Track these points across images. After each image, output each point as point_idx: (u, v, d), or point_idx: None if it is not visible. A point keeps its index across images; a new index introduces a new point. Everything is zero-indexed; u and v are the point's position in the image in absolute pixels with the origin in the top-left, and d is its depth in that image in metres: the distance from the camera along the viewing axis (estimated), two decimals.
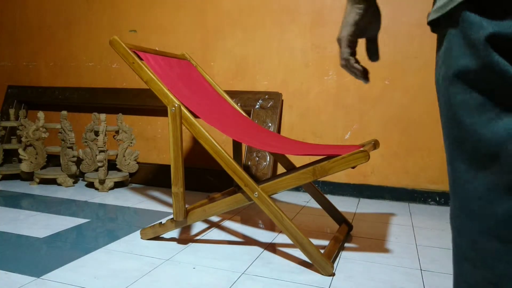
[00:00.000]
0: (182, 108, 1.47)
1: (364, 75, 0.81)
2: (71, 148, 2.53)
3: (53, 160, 2.83)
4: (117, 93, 2.81)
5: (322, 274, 1.32)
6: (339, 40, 0.80)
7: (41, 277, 1.24)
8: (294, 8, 2.46)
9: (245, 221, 1.92)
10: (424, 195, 2.32)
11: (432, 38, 2.24)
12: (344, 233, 1.66)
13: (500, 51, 0.44)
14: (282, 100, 2.52)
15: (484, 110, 0.46)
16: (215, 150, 1.44)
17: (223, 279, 1.28)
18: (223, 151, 1.43)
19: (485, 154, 0.46)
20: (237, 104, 2.01)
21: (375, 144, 1.52)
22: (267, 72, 2.55)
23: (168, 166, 1.48)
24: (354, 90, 2.39)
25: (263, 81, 2.54)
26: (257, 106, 2.50)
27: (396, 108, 2.33)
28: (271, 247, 1.57)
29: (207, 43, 2.62)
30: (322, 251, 1.38)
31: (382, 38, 2.32)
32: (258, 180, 1.86)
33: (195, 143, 2.69)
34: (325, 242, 1.60)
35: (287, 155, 1.87)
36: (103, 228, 1.75)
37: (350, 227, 1.76)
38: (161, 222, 1.59)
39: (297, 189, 2.54)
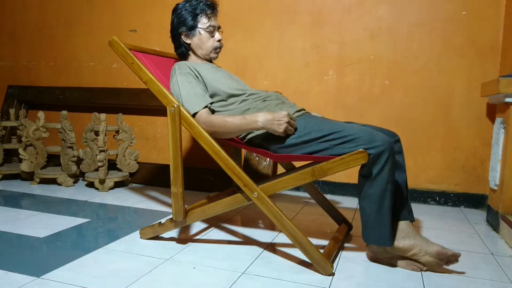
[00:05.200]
0: (182, 108, 1.47)
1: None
2: (71, 148, 2.53)
3: (53, 160, 2.83)
4: (117, 93, 2.81)
5: (322, 274, 1.32)
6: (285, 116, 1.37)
7: (41, 277, 1.25)
8: (294, 8, 2.46)
9: (245, 221, 1.92)
10: (424, 195, 2.32)
11: (431, 38, 2.24)
12: (344, 233, 1.66)
13: None
14: None
15: None
16: (214, 150, 1.44)
17: (223, 279, 1.28)
18: (222, 151, 1.43)
19: None
20: None
21: None
22: (267, 72, 2.55)
23: (168, 166, 1.48)
24: (354, 90, 2.39)
25: (263, 81, 2.54)
26: None
27: (396, 108, 2.33)
28: (271, 247, 1.57)
29: None
30: (322, 251, 1.38)
31: (383, 38, 2.32)
32: (257, 180, 1.85)
33: (195, 143, 2.69)
34: (325, 242, 1.60)
35: None
36: (103, 228, 1.76)
37: (350, 227, 1.76)
38: (160, 222, 1.59)
39: (297, 189, 2.54)
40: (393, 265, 1.40)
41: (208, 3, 1.64)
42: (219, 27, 1.69)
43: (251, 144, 1.52)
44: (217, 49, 1.68)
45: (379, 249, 1.40)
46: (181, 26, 1.63)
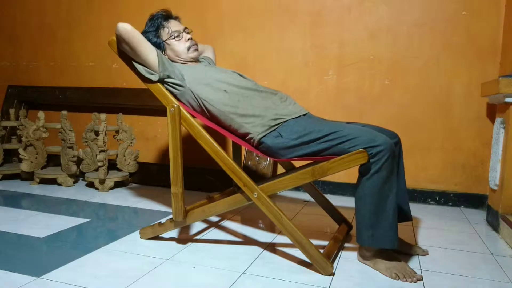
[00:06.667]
0: (181, 108, 1.47)
1: None
2: (71, 148, 2.53)
3: (53, 160, 2.83)
4: (117, 93, 2.81)
5: (322, 274, 1.32)
6: None
7: (41, 277, 1.25)
8: (294, 8, 2.46)
9: (245, 221, 1.92)
10: (424, 195, 2.32)
11: (431, 38, 2.24)
12: (344, 233, 1.66)
13: None
14: None
15: None
16: (214, 151, 1.44)
17: (223, 279, 1.28)
18: (222, 151, 1.43)
19: None
20: None
21: None
22: (267, 72, 2.55)
23: (168, 166, 1.48)
24: (354, 90, 2.39)
25: (263, 80, 2.54)
26: None
27: (396, 108, 2.33)
28: (271, 247, 1.57)
29: (207, 43, 2.62)
30: (321, 251, 1.38)
31: (383, 38, 2.32)
32: (257, 180, 1.86)
33: (195, 143, 2.69)
34: (325, 242, 1.60)
35: None
36: (103, 228, 1.76)
37: (349, 227, 1.76)
38: (160, 222, 1.59)
39: (297, 189, 2.54)
40: (378, 270, 1.37)
41: (160, 14, 1.68)
42: (185, 28, 1.70)
43: (251, 144, 1.52)
44: (191, 48, 1.68)
45: (367, 252, 1.40)
46: None
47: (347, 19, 2.37)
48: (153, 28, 1.67)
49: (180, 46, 1.66)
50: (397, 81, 2.32)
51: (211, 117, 1.56)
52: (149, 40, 1.65)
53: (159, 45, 1.66)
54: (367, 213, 1.31)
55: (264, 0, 2.51)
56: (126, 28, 1.43)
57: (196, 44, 1.71)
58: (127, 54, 1.51)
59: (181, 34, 1.67)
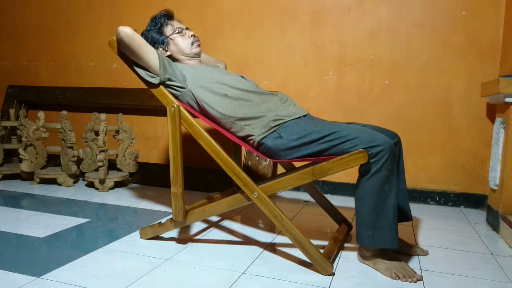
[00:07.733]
0: (181, 108, 1.47)
1: None
2: (71, 148, 2.53)
3: (53, 160, 2.83)
4: (117, 93, 2.81)
5: (322, 274, 1.32)
6: None
7: (41, 277, 1.25)
8: (294, 8, 2.46)
9: (245, 221, 1.92)
10: (424, 195, 2.32)
11: (431, 38, 2.24)
12: (344, 233, 1.66)
13: None
14: None
15: None
16: (214, 151, 1.44)
17: (223, 279, 1.28)
18: (222, 151, 1.43)
19: None
20: None
21: None
22: (267, 72, 2.55)
23: (168, 166, 1.48)
24: (354, 90, 2.39)
25: (263, 80, 2.54)
26: None
27: (396, 108, 2.33)
28: (271, 247, 1.57)
29: (207, 43, 2.62)
30: (321, 251, 1.38)
31: (382, 38, 2.32)
32: (257, 180, 1.86)
33: (195, 143, 2.69)
34: (325, 242, 1.60)
35: None
36: (103, 228, 1.76)
37: (349, 227, 1.76)
38: (160, 222, 1.59)
39: (297, 189, 2.54)
40: (378, 270, 1.37)
41: (163, 13, 1.71)
42: (186, 28, 1.73)
43: (251, 145, 1.52)
44: (194, 43, 1.70)
45: (367, 252, 1.39)
46: (153, 45, 1.67)
47: (347, 19, 2.37)
48: (156, 26, 1.68)
49: (184, 41, 1.68)
50: (397, 81, 2.32)
51: (211, 119, 1.56)
52: (152, 38, 1.67)
53: (162, 42, 1.67)
54: (367, 213, 1.31)
55: (264, 0, 2.51)
56: (126, 32, 1.43)
57: (198, 41, 1.72)
58: (127, 55, 1.51)
59: (184, 31, 1.70)
